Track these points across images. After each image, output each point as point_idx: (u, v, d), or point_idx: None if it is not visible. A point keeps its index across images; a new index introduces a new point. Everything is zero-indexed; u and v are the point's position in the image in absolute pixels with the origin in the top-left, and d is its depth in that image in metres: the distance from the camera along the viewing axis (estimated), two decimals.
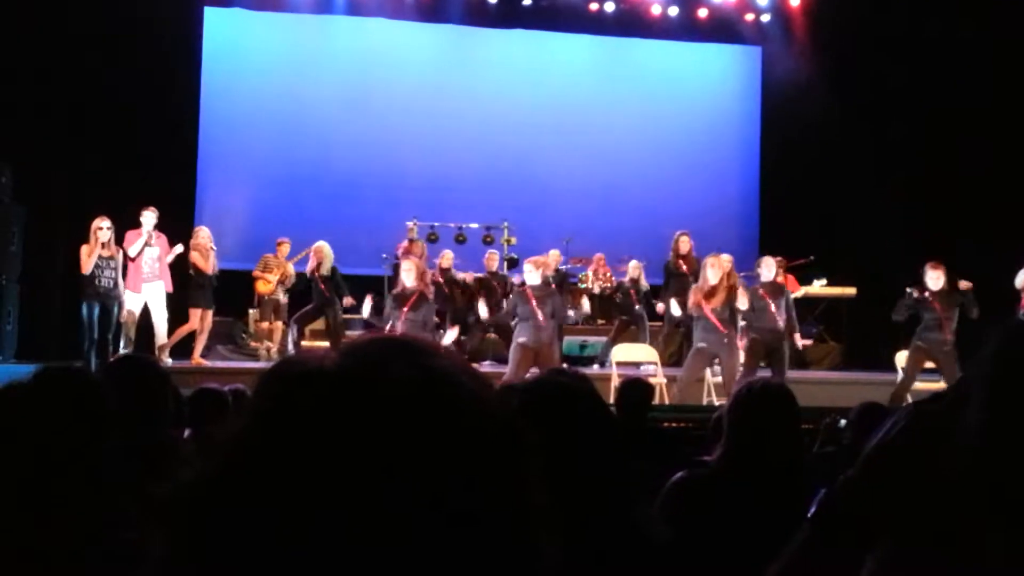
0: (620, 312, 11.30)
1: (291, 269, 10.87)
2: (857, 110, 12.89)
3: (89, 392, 1.83)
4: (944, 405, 0.80)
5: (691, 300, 8.77)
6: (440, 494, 0.57)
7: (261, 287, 10.98)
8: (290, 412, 0.59)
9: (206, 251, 9.88)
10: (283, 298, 10.89)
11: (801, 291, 11.53)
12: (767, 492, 2.41)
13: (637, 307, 11.12)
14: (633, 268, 11.35)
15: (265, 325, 10.87)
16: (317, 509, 0.56)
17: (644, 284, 11.30)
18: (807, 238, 12.13)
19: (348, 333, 10.24)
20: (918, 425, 0.83)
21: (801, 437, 2.69)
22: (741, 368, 8.88)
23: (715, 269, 8.68)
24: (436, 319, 9.47)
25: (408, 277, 9.03)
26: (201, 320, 9.84)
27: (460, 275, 11.39)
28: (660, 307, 10.85)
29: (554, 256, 11.41)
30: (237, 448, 0.60)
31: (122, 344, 9.31)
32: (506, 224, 12.36)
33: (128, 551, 1.51)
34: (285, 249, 11.08)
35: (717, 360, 8.79)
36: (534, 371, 8.73)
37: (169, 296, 9.60)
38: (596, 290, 11.86)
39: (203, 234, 10.02)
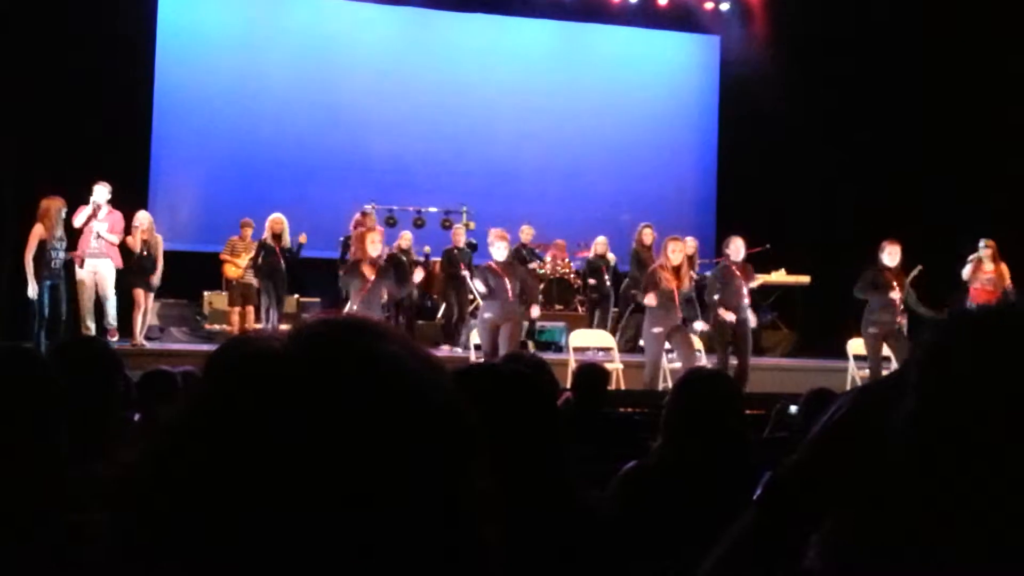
0: (594, 289, 11.37)
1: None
2: (813, 100, 13.01)
3: (37, 373, 1.80)
4: (886, 389, 0.82)
5: (662, 283, 8.65)
6: (383, 480, 0.57)
7: (230, 271, 10.82)
8: (235, 394, 0.59)
9: (138, 233, 9.74)
10: (255, 282, 10.73)
11: (759, 280, 11.65)
12: (710, 479, 2.43)
13: (608, 283, 11.22)
14: (599, 244, 11.43)
15: (235, 309, 10.72)
16: (257, 493, 0.55)
17: (611, 257, 11.41)
18: (763, 226, 12.24)
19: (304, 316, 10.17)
20: (861, 408, 0.84)
21: (744, 423, 2.71)
22: (698, 353, 8.96)
23: (676, 253, 8.67)
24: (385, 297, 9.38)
25: (374, 248, 8.94)
26: (144, 301, 9.73)
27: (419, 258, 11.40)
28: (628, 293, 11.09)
29: (526, 231, 11.43)
30: (181, 429, 0.59)
31: (87, 325, 9.19)
32: (465, 208, 12.33)
33: (75, 533, 1.49)
34: (249, 231, 10.95)
35: (668, 346, 8.79)
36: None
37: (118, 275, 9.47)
38: (552, 275, 11.90)
39: (135, 218, 9.85)
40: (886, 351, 8.82)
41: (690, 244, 10.75)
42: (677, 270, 8.61)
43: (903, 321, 8.79)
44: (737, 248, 9.07)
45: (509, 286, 8.66)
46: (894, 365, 8.99)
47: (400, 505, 0.57)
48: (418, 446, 0.58)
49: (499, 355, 8.44)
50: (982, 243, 9.76)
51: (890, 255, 8.78)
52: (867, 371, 9.00)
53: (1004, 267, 9.70)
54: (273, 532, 0.55)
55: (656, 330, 8.59)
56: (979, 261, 9.71)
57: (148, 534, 0.57)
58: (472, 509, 0.60)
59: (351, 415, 0.57)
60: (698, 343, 9.18)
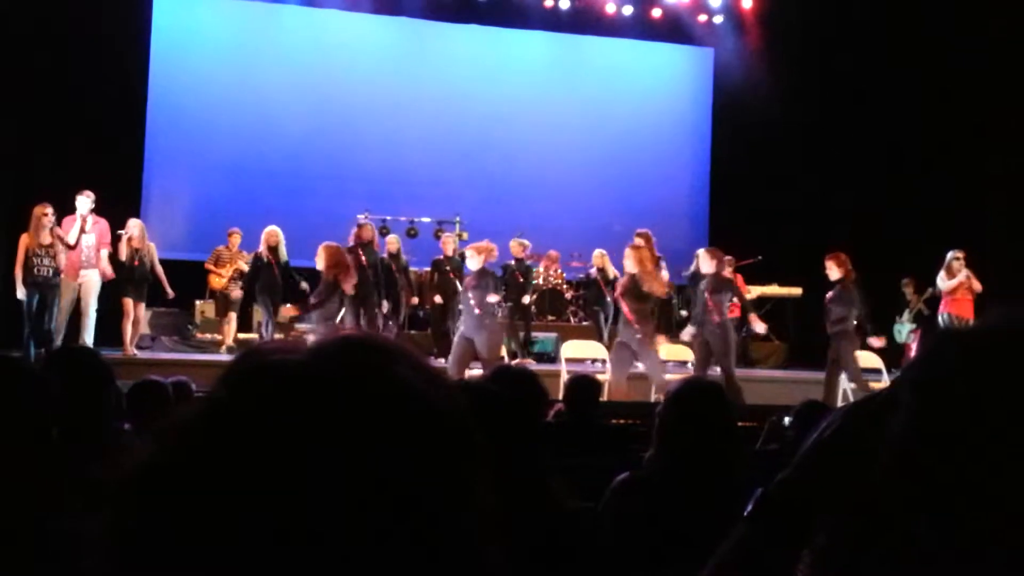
0: (592, 303, 11.35)
1: (243, 265, 10.73)
2: (807, 112, 13.07)
3: (25, 382, 1.80)
4: (878, 406, 0.82)
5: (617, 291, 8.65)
6: (385, 500, 0.57)
7: (214, 282, 10.84)
8: (243, 404, 0.59)
9: (126, 241, 9.68)
10: (236, 292, 10.72)
11: (757, 292, 11.70)
12: (703, 491, 2.43)
13: (608, 297, 11.19)
14: (598, 257, 11.38)
15: (219, 320, 10.73)
16: (260, 505, 0.56)
17: (611, 271, 11.34)
18: (755, 238, 12.28)
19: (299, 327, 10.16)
20: (852, 425, 0.85)
21: (736, 435, 2.71)
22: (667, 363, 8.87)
23: (628, 260, 8.58)
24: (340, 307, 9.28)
25: (318, 262, 8.88)
26: (133, 310, 9.68)
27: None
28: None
29: (515, 246, 11.37)
30: (187, 435, 0.59)
31: (57, 334, 9.11)
32: (458, 218, 12.34)
33: (63, 541, 1.49)
34: (236, 240, 10.92)
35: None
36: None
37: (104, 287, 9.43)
38: (545, 286, 11.92)
39: (127, 226, 9.80)
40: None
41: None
42: (630, 280, 8.42)
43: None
44: (703, 262, 8.89)
45: (473, 298, 8.48)
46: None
47: (401, 522, 0.57)
48: (423, 467, 0.59)
49: (462, 369, 8.45)
50: (953, 254, 9.81)
51: (828, 270, 8.79)
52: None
53: (972, 278, 9.82)
54: (276, 541, 0.55)
55: (620, 339, 8.54)
56: (957, 272, 9.78)
57: (150, 539, 0.57)
58: (474, 527, 0.60)
59: (357, 435, 0.58)
60: (663, 353, 9.12)
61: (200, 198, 12.66)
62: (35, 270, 8.73)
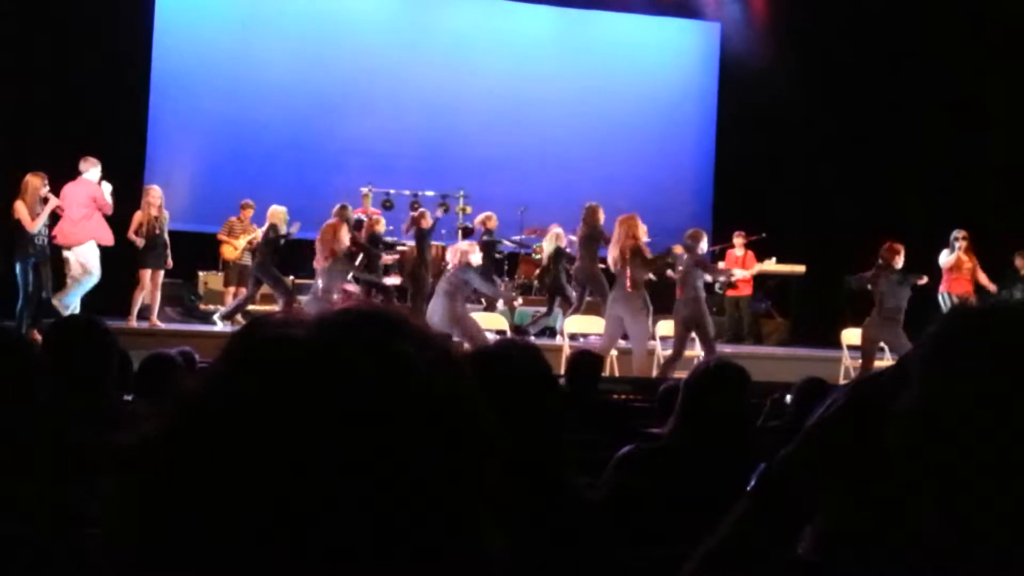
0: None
1: (259, 234, 10.70)
2: (813, 88, 12.99)
3: (14, 352, 1.79)
4: (884, 382, 0.82)
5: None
6: (385, 482, 0.56)
7: (228, 252, 10.83)
8: (245, 379, 0.59)
9: (146, 208, 9.64)
10: (251, 263, 10.70)
11: (756, 267, 11.68)
12: (717, 466, 2.44)
13: None
14: None
15: (230, 290, 10.74)
16: (258, 482, 0.55)
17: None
18: (760, 215, 12.24)
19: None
20: (857, 403, 0.85)
21: (750, 414, 2.74)
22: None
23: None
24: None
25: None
26: (151, 280, 9.65)
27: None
28: None
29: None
30: (188, 410, 0.59)
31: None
32: (462, 192, 12.30)
33: (59, 509, 1.49)
34: (249, 212, 10.90)
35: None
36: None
37: (113, 257, 9.40)
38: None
39: (152, 193, 9.77)
40: None
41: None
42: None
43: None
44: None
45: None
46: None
47: (397, 508, 0.56)
48: (425, 446, 0.58)
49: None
50: (957, 233, 9.87)
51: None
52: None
53: (974, 258, 9.88)
54: (274, 518, 0.55)
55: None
56: (958, 251, 9.85)
57: (150, 513, 0.57)
58: (475, 514, 0.59)
59: (359, 412, 0.57)
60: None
61: (202, 169, 12.63)
62: (36, 239, 8.63)
